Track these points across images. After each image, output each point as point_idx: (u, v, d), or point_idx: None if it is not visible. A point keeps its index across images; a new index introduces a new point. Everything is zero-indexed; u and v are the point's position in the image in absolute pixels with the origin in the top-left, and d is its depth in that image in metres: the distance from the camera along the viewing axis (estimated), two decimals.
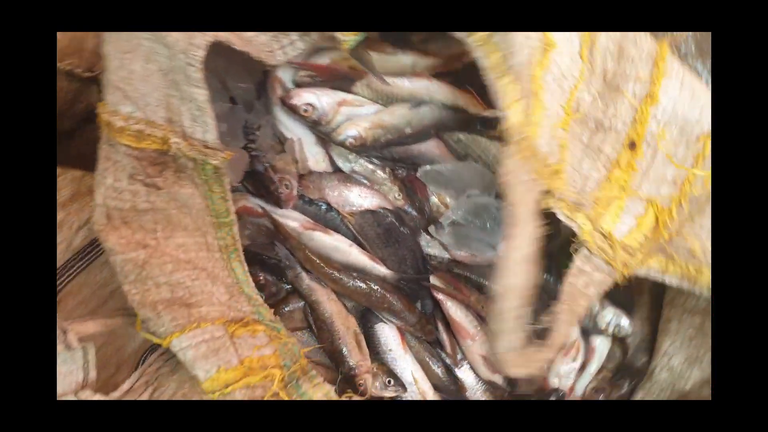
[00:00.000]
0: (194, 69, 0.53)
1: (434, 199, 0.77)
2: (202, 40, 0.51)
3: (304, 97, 0.66)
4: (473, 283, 0.77)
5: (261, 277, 0.74)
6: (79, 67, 0.92)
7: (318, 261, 0.75)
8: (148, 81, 0.56)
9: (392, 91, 0.69)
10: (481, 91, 0.74)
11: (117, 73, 0.57)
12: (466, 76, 0.73)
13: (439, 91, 0.70)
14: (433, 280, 0.77)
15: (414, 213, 0.77)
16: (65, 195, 0.83)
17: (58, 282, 0.78)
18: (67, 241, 0.81)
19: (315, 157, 0.74)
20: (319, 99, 0.67)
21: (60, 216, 0.81)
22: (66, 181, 0.84)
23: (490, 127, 0.71)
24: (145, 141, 0.57)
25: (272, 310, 0.68)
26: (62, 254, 0.79)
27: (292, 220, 0.75)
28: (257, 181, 0.72)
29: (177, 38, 0.51)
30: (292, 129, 0.72)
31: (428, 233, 0.77)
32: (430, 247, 0.78)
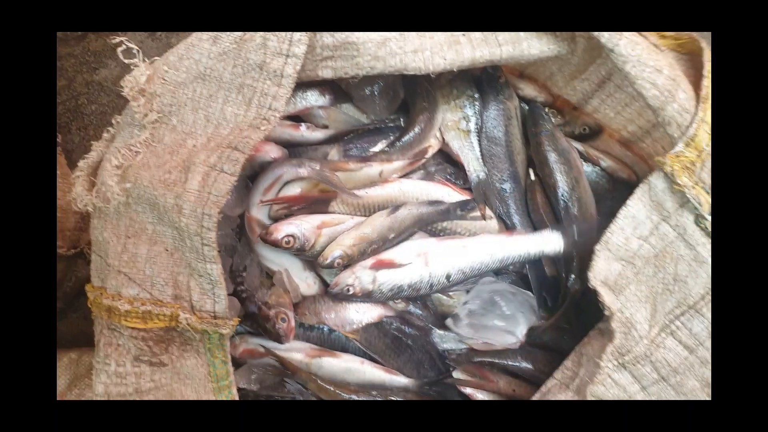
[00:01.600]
0: (209, 248, 0.54)
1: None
2: (210, 222, 0.53)
3: (284, 230, 0.66)
4: (498, 367, 0.74)
5: None
6: (62, 247, 0.92)
7: (333, 389, 0.71)
8: (155, 262, 0.56)
9: (367, 201, 0.70)
10: (451, 179, 0.75)
11: (120, 258, 0.56)
12: (433, 169, 0.74)
13: (411, 189, 0.71)
14: (457, 374, 0.74)
15: (419, 312, 0.74)
16: (63, 384, 0.80)
17: None
18: None
19: (306, 282, 0.72)
20: (299, 227, 0.67)
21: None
22: (62, 368, 0.81)
23: (468, 209, 0.70)
24: (153, 321, 0.56)
25: None
26: None
27: (296, 351, 0.72)
28: (254, 322, 0.70)
29: (188, 223, 0.53)
30: (277, 261, 0.71)
31: (444, 327, 0.74)
32: (445, 342, 0.75)
